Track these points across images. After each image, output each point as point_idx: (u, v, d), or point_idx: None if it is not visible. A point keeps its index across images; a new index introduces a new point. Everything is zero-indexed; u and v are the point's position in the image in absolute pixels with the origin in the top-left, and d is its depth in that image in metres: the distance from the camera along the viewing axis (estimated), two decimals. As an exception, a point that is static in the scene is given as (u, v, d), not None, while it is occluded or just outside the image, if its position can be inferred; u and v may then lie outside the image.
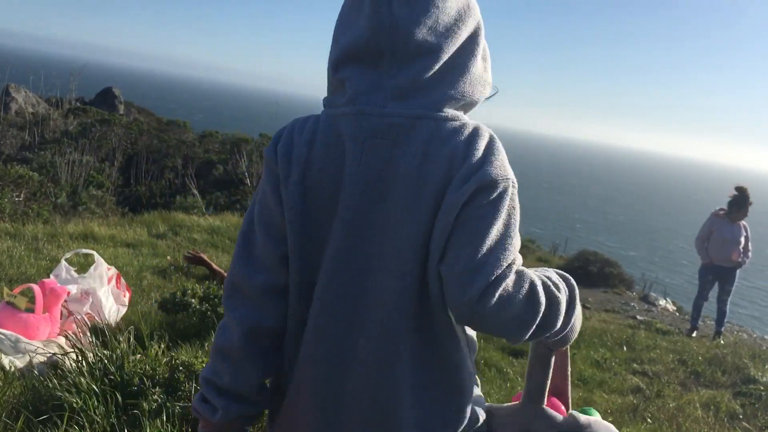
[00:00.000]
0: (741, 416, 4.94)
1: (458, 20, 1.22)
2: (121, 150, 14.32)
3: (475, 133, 1.17)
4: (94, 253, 4.51)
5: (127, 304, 4.47)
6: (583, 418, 1.40)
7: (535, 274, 1.19)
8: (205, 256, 6.59)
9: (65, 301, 3.88)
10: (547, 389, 1.43)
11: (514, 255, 1.14)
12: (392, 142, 1.18)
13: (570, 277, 1.28)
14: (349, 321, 1.21)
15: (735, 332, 10.17)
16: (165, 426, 2.58)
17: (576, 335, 1.33)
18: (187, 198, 12.50)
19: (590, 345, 6.84)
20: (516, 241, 1.15)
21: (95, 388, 2.70)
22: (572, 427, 1.38)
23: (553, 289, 1.19)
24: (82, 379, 2.75)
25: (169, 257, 6.99)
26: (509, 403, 1.47)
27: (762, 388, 5.64)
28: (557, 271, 1.28)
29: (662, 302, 12.28)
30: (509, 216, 1.14)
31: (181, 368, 2.83)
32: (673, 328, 9.12)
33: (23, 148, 13.71)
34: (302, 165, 1.23)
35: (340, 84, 1.25)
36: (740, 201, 8.25)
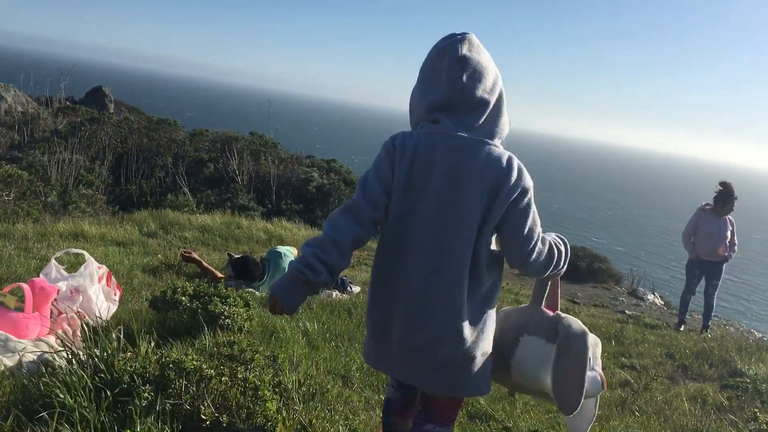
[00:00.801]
0: (728, 409, 4.99)
1: (494, 84, 2.23)
2: (111, 149, 14.27)
3: (511, 157, 2.16)
4: (85, 252, 4.51)
5: (117, 302, 4.48)
6: (563, 315, 2.42)
7: (549, 237, 2.27)
8: (196, 255, 6.61)
9: (55, 299, 3.88)
10: (545, 298, 2.50)
11: (539, 228, 2.20)
12: (465, 154, 2.15)
13: (564, 238, 2.36)
14: (442, 247, 2.14)
15: (722, 326, 10.26)
16: (155, 423, 2.60)
17: (564, 270, 2.38)
18: (177, 196, 12.49)
19: (579, 340, 6.89)
20: (538, 220, 2.19)
21: (85, 386, 2.72)
22: (555, 318, 2.40)
23: (559, 245, 2.30)
24: (72, 378, 2.76)
25: (160, 255, 6.99)
26: (520, 306, 2.55)
27: (748, 380, 5.70)
28: (557, 234, 2.36)
29: (650, 297, 12.37)
30: (534, 208, 2.18)
31: (171, 366, 2.85)
32: (661, 323, 9.20)
33: (13, 147, 13.64)
34: (410, 155, 2.18)
35: (434, 120, 2.20)
36: (724, 196, 8.34)
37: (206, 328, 4.04)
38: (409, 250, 2.18)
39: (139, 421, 2.56)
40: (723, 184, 8.42)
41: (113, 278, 4.53)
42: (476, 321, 2.20)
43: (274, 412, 2.88)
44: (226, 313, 4.32)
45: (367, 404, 3.74)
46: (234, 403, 2.85)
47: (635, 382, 5.49)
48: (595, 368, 2.37)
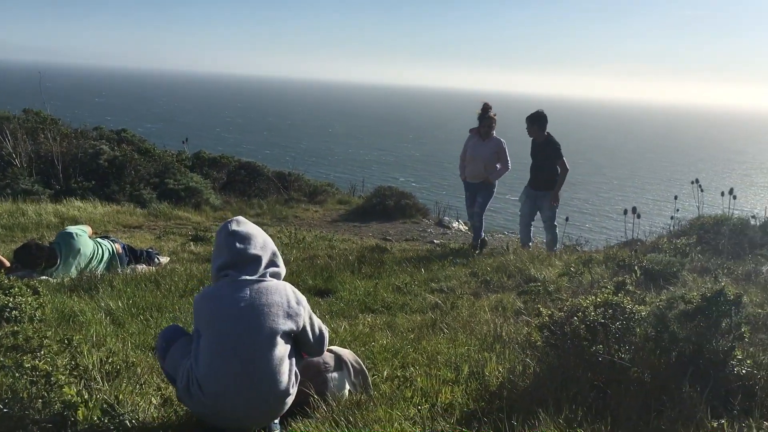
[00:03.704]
0: (524, 311, 5.46)
1: (264, 244, 3.08)
2: None
3: (286, 285, 3.06)
4: None
5: None
6: (333, 349, 3.44)
7: (325, 328, 3.27)
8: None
9: None
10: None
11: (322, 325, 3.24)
12: (255, 290, 2.94)
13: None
14: (254, 349, 2.87)
15: (515, 240, 11.19)
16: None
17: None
18: (-57, 190, 11.09)
19: (392, 273, 7.18)
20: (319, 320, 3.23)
21: None
22: (333, 354, 3.38)
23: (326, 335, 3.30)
24: None
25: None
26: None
27: (539, 284, 6.29)
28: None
29: (455, 224, 13.20)
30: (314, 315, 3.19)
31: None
32: (465, 246, 9.84)
33: None
34: (218, 300, 2.92)
35: (225, 275, 2.97)
36: (481, 118, 8.86)
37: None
38: (234, 355, 2.84)
39: None
40: (483, 106, 8.90)
41: None
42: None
43: (73, 395, 2.70)
44: (11, 304, 3.97)
45: (181, 370, 3.63)
46: (25, 395, 2.63)
47: (443, 303, 5.84)
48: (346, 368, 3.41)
